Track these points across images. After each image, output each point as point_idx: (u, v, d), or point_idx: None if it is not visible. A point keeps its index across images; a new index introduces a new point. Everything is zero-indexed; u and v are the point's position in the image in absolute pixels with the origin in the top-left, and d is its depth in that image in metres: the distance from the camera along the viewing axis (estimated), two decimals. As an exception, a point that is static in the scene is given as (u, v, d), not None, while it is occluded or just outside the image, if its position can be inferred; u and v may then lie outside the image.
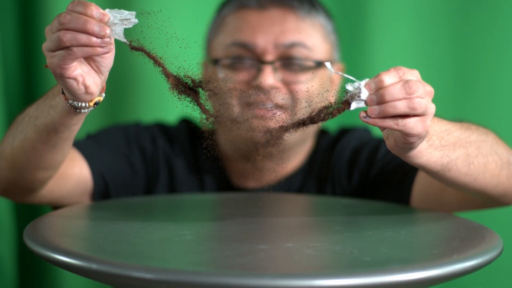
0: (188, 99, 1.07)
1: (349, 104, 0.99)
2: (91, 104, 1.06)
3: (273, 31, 1.41)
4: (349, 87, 0.99)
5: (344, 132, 1.51)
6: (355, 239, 1.03)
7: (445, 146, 1.06)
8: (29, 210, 1.79)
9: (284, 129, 1.05)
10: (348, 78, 1.00)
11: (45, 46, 1.01)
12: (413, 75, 0.99)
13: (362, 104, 0.99)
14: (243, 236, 1.05)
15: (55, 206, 1.37)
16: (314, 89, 1.40)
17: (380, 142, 1.44)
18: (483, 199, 1.22)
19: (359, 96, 0.98)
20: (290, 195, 1.43)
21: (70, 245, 0.97)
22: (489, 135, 1.17)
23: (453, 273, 0.90)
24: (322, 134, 1.51)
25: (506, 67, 1.79)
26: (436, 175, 1.10)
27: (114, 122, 1.77)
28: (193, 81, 1.06)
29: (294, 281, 0.83)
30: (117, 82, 1.78)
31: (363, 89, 0.98)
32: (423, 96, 0.97)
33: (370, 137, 1.49)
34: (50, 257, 0.92)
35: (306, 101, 1.39)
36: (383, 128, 1.01)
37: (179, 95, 1.06)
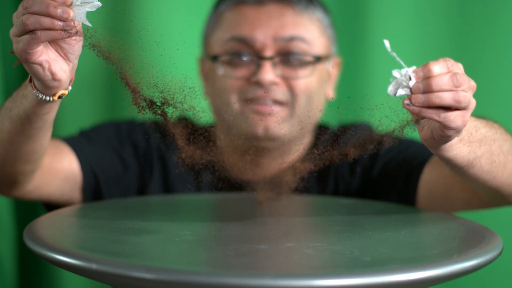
0: (158, 117, 1.05)
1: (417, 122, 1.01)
2: (55, 98, 1.05)
3: (271, 26, 1.41)
4: (396, 73, 0.97)
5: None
6: (355, 239, 1.03)
7: (472, 142, 1.06)
8: (29, 210, 1.79)
9: (314, 164, 1.04)
10: (399, 63, 0.97)
11: (11, 31, 1.00)
12: (459, 68, 0.99)
13: (408, 92, 0.97)
14: (243, 236, 1.05)
15: (49, 206, 1.37)
16: (314, 84, 1.40)
17: (383, 138, 1.44)
18: (494, 197, 1.21)
19: (406, 83, 0.97)
20: (290, 195, 1.43)
21: (70, 245, 0.97)
22: (508, 134, 1.18)
23: (453, 273, 0.89)
24: (322, 129, 1.51)
25: (506, 67, 1.78)
26: (460, 171, 1.10)
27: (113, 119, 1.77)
28: (161, 92, 1.03)
29: (294, 281, 0.83)
30: (116, 80, 1.78)
31: (412, 76, 0.97)
32: (467, 90, 0.98)
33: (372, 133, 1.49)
34: (50, 257, 0.92)
35: (305, 97, 1.39)
36: (421, 118, 1.01)
37: (141, 112, 1.04)
